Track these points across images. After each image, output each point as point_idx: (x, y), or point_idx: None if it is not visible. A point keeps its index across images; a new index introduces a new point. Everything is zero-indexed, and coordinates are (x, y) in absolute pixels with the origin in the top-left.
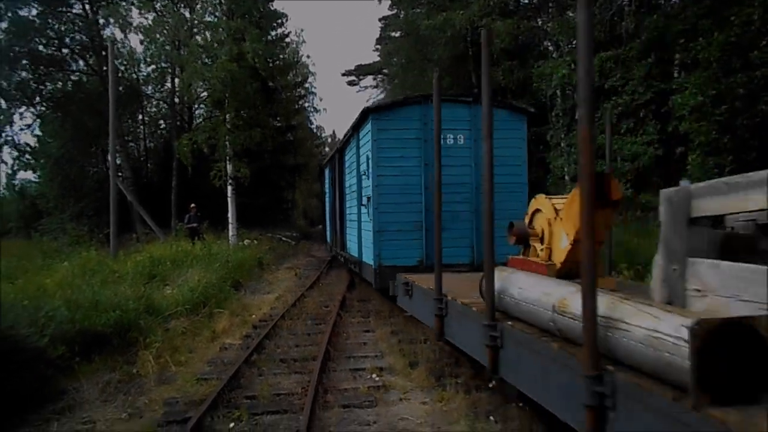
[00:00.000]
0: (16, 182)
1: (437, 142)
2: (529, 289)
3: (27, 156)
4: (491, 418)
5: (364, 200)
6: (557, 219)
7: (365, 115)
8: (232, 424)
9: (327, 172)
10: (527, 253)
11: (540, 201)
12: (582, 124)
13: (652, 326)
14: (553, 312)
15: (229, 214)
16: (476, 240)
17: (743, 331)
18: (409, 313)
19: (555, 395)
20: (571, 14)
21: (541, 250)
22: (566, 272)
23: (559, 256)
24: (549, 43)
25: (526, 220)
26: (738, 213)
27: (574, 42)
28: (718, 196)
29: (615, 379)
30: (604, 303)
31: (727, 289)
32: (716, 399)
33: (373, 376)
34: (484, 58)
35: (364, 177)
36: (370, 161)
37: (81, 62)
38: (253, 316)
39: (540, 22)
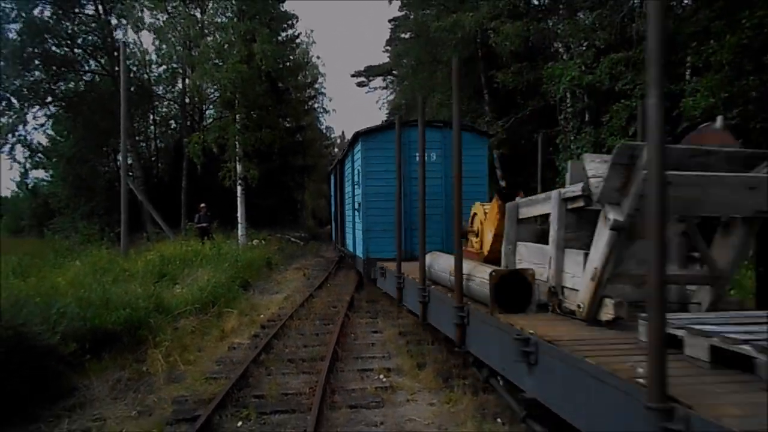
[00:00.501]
0: (29, 181)
1: (398, 165)
2: (441, 263)
3: (39, 155)
4: (498, 420)
5: (356, 205)
6: (486, 220)
7: (356, 137)
8: (240, 423)
9: (332, 177)
10: (468, 244)
11: (476, 207)
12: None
13: (484, 275)
14: (449, 275)
15: (239, 214)
16: (446, 236)
17: (518, 276)
18: (384, 290)
19: (446, 323)
20: (582, 16)
21: (476, 242)
22: (492, 258)
23: (486, 247)
24: (560, 45)
25: (470, 221)
26: (533, 216)
27: (585, 44)
28: (527, 207)
29: (470, 307)
30: (469, 266)
31: (529, 258)
32: (504, 310)
33: (381, 376)
34: (420, 122)
35: (356, 186)
36: (360, 174)
37: (93, 63)
38: (262, 315)
39: (551, 24)
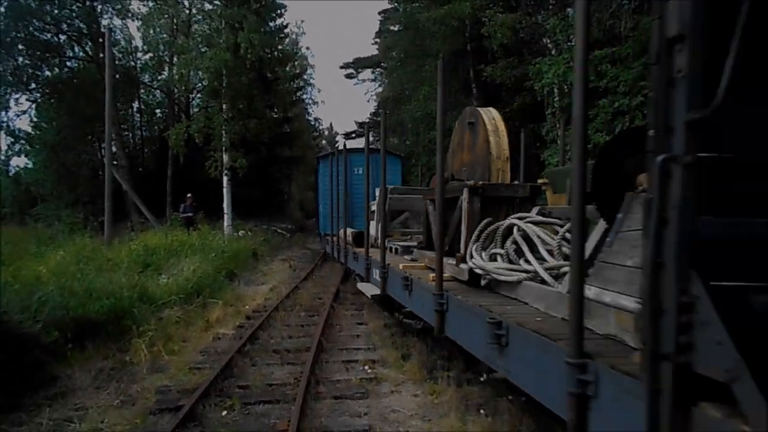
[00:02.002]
0: (11, 168)
1: (330, 181)
2: (342, 233)
3: (22, 142)
4: (482, 411)
5: (319, 201)
6: None
7: (318, 159)
8: (224, 413)
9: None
10: None
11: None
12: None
13: (349, 232)
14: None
15: (225, 205)
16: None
17: (361, 234)
18: (329, 252)
19: (342, 257)
20: (571, 11)
21: None
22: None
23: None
24: (548, 41)
25: None
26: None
27: (573, 39)
28: (372, 204)
29: (349, 248)
30: (350, 231)
31: (375, 228)
32: (356, 247)
33: (366, 368)
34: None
35: (319, 189)
36: (321, 182)
37: (78, 49)
38: (247, 306)
39: (540, 18)
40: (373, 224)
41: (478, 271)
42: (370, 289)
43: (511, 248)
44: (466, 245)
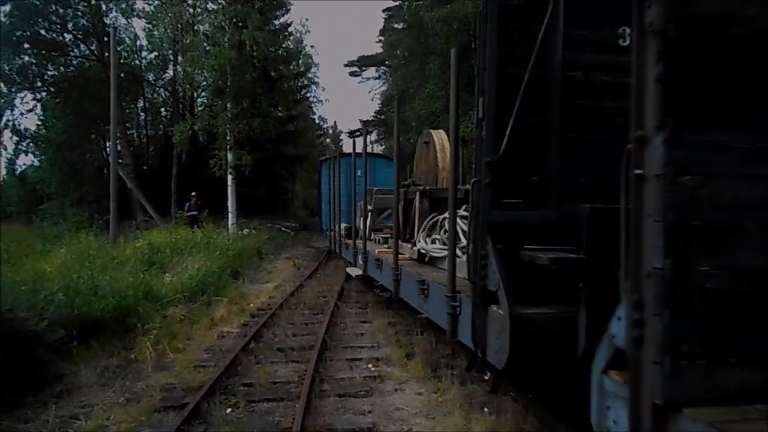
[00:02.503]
0: (17, 167)
1: (329, 182)
2: (339, 227)
3: (28, 140)
4: (485, 409)
5: (323, 198)
6: None
7: (321, 162)
8: (229, 410)
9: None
10: None
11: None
12: None
13: (342, 226)
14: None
15: (229, 203)
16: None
17: (351, 227)
18: (329, 244)
19: (339, 247)
20: None
21: None
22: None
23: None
24: None
25: None
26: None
27: None
28: (359, 204)
29: (343, 240)
30: (344, 224)
31: (362, 223)
32: (347, 239)
33: (370, 366)
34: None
35: (322, 188)
36: (323, 182)
37: (83, 47)
38: (252, 304)
39: None
40: (362, 220)
41: (422, 251)
42: (355, 271)
43: (444, 235)
44: (418, 233)
